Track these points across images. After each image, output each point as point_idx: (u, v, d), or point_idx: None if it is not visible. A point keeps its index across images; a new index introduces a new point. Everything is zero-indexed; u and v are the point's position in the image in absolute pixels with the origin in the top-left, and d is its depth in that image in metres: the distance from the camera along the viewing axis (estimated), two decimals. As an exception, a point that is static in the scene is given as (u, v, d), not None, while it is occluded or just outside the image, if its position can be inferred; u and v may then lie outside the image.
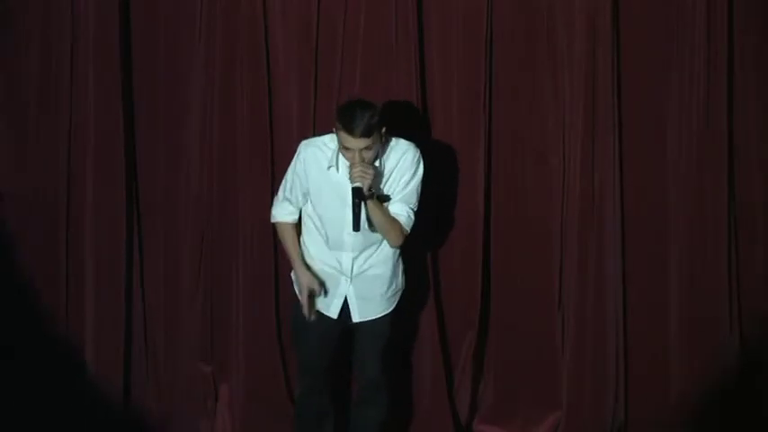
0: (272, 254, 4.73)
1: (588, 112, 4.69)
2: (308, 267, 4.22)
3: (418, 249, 4.74)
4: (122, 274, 4.81)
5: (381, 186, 4.13)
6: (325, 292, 4.23)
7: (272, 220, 4.34)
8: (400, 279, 4.33)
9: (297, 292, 4.28)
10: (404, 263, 4.35)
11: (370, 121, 3.93)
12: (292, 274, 4.34)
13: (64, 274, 4.82)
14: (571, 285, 4.78)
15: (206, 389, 4.90)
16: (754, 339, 4.84)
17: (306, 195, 4.21)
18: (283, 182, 4.28)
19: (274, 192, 4.53)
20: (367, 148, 3.97)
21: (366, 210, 4.03)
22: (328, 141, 4.15)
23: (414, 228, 4.19)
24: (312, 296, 4.20)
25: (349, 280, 4.20)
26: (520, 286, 4.83)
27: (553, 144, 4.76)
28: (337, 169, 4.11)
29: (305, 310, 4.21)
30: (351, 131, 3.94)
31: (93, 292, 4.80)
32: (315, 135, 4.44)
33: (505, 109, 4.75)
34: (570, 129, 4.73)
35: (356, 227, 4.02)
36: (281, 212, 4.29)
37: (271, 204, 4.46)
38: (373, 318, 4.26)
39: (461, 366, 4.87)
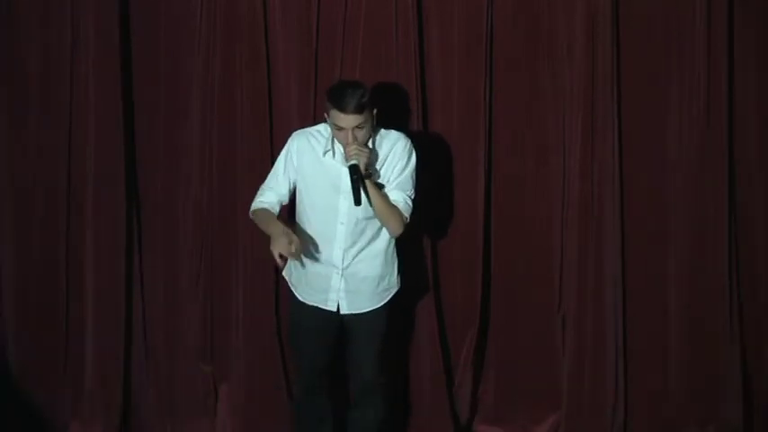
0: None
1: (588, 112, 4.69)
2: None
3: (418, 249, 4.75)
4: (122, 274, 4.81)
5: (379, 174, 4.15)
6: (312, 285, 4.22)
7: (250, 211, 4.24)
8: (394, 277, 4.33)
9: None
10: (400, 262, 4.35)
11: (361, 99, 3.98)
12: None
13: (64, 274, 4.81)
14: (571, 285, 4.79)
15: (206, 389, 4.89)
16: (754, 339, 4.84)
17: (294, 186, 4.21)
18: (269, 176, 4.27)
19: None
20: (359, 126, 4.00)
21: (365, 188, 4.03)
22: (321, 129, 4.19)
23: (412, 217, 4.19)
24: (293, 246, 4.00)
25: (340, 272, 4.20)
26: (520, 286, 4.83)
27: (553, 144, 4.76)
28: (333, 154, 4.12)
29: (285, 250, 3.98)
30: (343, 109, 3.97)
31: (93, 292, 4.80)
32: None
33: (505, 109, 4.75)
34: (570, 129, 4.73)
35: (357, 201, 4.00)
36: (260, 201, 4.20)
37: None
38: (362, 311, 4.25)
39: (461, 366, 4.88)
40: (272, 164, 4.67)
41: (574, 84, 4.70)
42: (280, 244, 3.96)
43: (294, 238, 4.00)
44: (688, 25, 4.68)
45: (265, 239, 4.66)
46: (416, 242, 4.72)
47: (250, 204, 4.30)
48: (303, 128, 4.39)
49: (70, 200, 4.79)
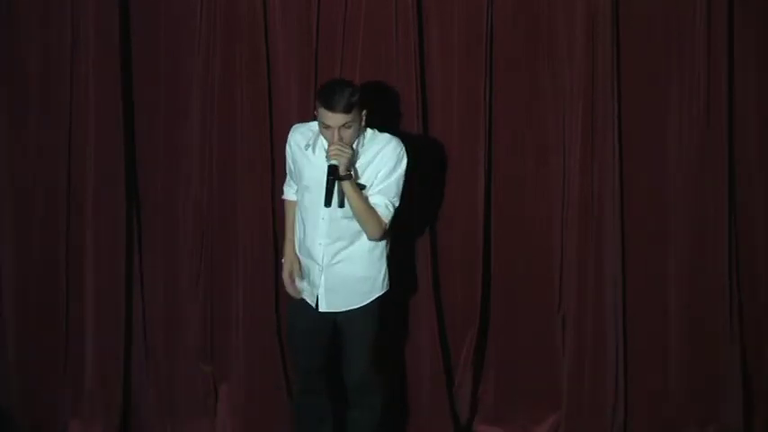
0: (272, 254, 4.73)
1: (588, 112, 4.69)
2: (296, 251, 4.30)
3: (418, 249, 4.75)
4: (122, 274, 4.81)
5: (358, 175, 4.14)
6: (306, 279, 4.26)
7: (283, 196, 4.40)
8: (380, 281, 4.26)
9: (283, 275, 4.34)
10: (395, 263, 4.33)
11: (350, 98, 3.96)
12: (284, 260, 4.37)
13: (64, 273, 4.81)
14: (571, 285, 4.79)
15: (206, 389, 4.89)
16: (754, 339, 4.84)
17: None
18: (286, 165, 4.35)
19: (274, 192, 4.61)
20: (346, 125, 3.98)
21: (340, 190, 4.02)
22: (314, 126, 4.17)
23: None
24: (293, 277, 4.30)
25: (321, 269, 4.20)
26: (520, 286, 4.83)
27: (553, 144, 4.76)
28: (314, 150, 4.12)
29: (289, 290, 4.32)
30: (330, 107, 3.95)
31: (93, 293, 4.80)
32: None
33: (505, 109, 4.75)
34: (570, 129, 4.73)
35: (328, 202, 4.00)
36: (289, 191, 4.36)
37: (271, 204, 4.56)
38: (342, 310, 4.23)
39: (461, 366, 4.88)
40: (273, 164, 4.74)
41: (574, 84, 4.70)
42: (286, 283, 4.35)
43: (295, 269, 4.29)
44: (688, 25, 4.68)
45: (265, 241, 4.70)
46: (416, 242, 4.72)
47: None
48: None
49: (70, 200, 4.79)
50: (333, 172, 3.98)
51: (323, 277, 4.19)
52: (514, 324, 4.85)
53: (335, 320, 4.27)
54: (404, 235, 4.32)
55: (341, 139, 3.98)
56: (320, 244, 4.17)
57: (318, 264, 4.19)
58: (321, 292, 4.21)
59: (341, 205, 4.06)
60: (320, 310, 4.23)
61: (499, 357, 4.89)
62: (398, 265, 4.38)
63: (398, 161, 4.13)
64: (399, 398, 4.83)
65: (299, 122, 4.66)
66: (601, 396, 4.81)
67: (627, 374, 4.81)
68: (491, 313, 4.87)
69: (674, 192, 4.76)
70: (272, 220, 4.72)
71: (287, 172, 4.32)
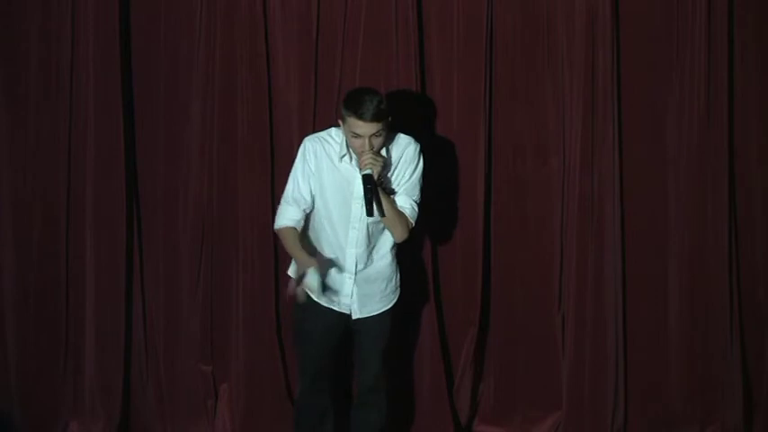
0: (273, 254, 4.73)
1: (588, 113, 4.69)
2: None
3: (418, 249, 4.75)
4: (122, 275, 4.81)
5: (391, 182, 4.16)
6: (327, 287, 4.20)
7: (276, 227, 4.21)
8: (397, 277, 4.33)
9: (293, 276, 4.13)
10: (398, 262, 4.34)
11: (379, 106, 3.96)
12: (290, 272, 4.35)
13: (64, 274, 4.81)
14: (571, 285, 4.79)
15: (206, 389, 4.89)
16: (754, 339, 4.84)
17: (315, 193, 4.18)
18: (289, 184, 4.20)
19: (275, 191, 4.56)
20: (377, 134, 3.99)
21: (378, 200, 4.02)
22: (334, 134, 4.17)
23: (416, 221, 4.20)
24: (303, 277, 4.05)
25: (353, 277, 4.20)
26: (520, 286, 4.83)
27: (553, 144, 4.77)
28: (350, 159, 4.11)
29: (296, 288, 4.07)
30: (361, 116, 3.95)
31: (93, 293, 4.80)
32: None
33: (505, 109, 4.75)
34: (570, 129, 4.73)
35: (370, 212, 3.99)
36: (285, 217, 4.17)
37: (271, 204, 4.50)
38: (373, 314, 4.26)
39: (461, 366, 4.88)
40: (273, 164, 4.71)
41: (574, 84, 4.70)
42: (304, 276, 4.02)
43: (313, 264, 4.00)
44: (688, 25, 4.68)
45: (265, 241, 4.70)
46: (417, 243, 4.72)
47: (274, 214, 4.25)
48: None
49: (70, 200, 4.79)
50: (369, 181, 3.99)
51: (354, 285, 4.20)
52: (514, 324, 4.85)
53: (348, 323, 4.27)
54: (406, 238, 4.31)
55: (372, 147, 4.00)
56: (352, 253, 4.17)
57: (350, 272, 4.19)
58: (354, 299, 4.22)
59: (382, 214, 4.05)
60: (354, 317, 4.24)
61: (499, 357, 4.89)
62: (399, 265, 4.38)
63: (418, 161, 4.20)
64: (400, 398, 4.83)
65: (298, 123, 4.69)
66: (601, 396, 4.81)
67: (627, 374, 4.81)
68: (491, 313, 4.87)
69: (674, 191, 4.76)
70: (272, 220, 4.71)
71: (295, 190, 4.15)
